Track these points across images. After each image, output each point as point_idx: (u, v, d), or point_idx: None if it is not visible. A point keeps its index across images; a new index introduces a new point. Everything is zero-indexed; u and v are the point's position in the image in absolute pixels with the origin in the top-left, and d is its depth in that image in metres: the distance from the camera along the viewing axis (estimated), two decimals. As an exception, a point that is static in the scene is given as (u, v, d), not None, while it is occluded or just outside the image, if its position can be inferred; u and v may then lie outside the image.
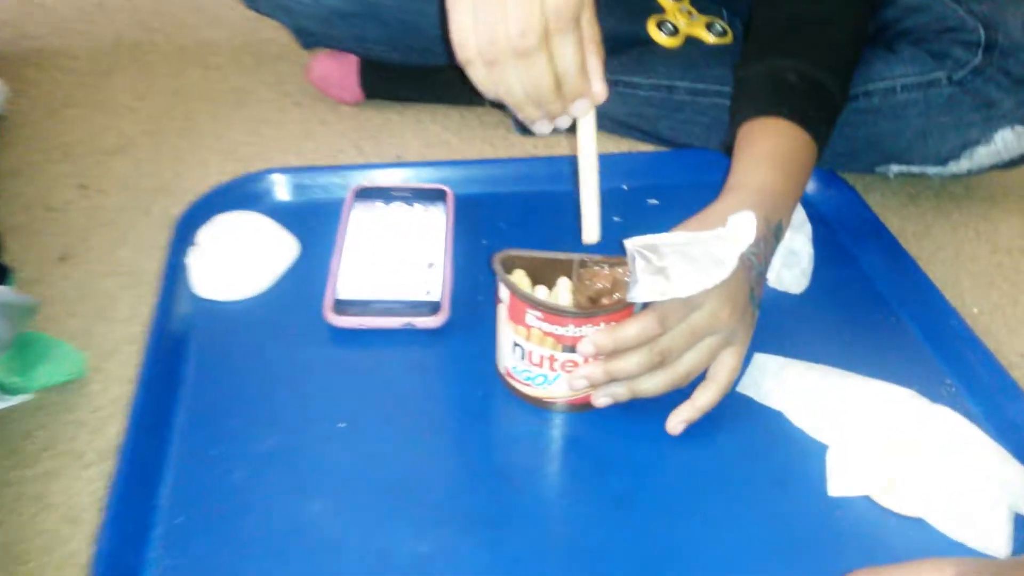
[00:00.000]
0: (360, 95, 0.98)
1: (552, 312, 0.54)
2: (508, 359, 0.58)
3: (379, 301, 0.64)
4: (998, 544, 0.51)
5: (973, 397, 0.61)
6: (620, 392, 0.56)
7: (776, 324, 0.63)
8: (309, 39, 0.92)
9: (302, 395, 0.59)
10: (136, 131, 0.93)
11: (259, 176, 0.78)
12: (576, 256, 0.58)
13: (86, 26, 1.14)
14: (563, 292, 0.58)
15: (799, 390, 0.59)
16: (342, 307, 0.64)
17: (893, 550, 0.51)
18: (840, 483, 0.54)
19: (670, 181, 0.81)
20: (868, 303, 0.70)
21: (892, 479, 0.54)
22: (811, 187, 0.80)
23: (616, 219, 0.73)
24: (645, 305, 0.55)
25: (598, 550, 0.50)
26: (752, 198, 0.60)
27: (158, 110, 0.97)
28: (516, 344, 0.56)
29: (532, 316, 0.54)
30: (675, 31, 0.92)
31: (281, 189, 0.78)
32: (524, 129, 0.87)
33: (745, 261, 0.56)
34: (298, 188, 0.78)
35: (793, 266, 0.69)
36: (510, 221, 0.76)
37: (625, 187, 0.80)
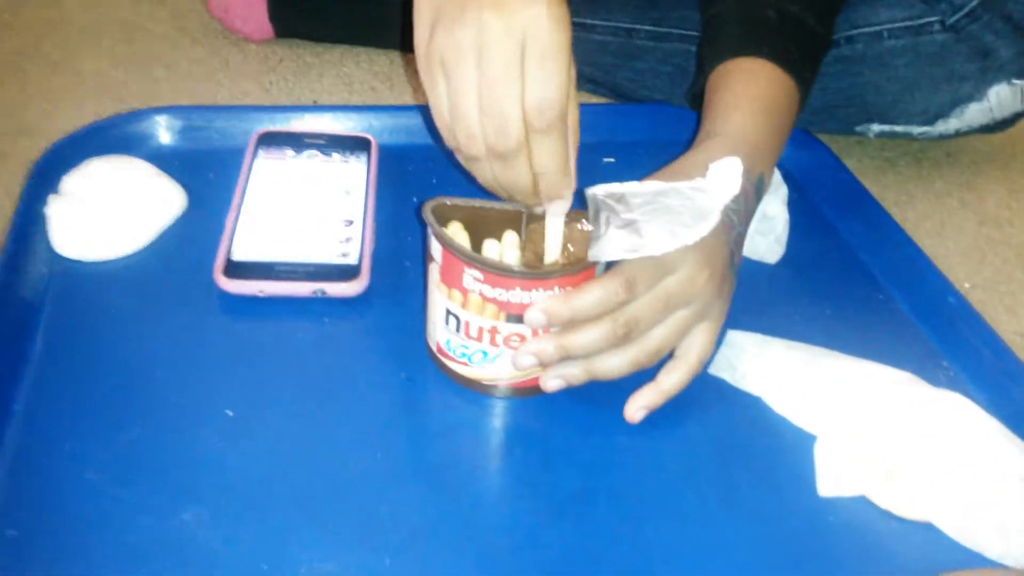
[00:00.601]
0: (269, 31, 0.94)
1: (495, 272, 0.49)
2: (440, 332, 0.54)
3: (283, 263, 0.60)
4: (1021, 552, 0.48)
5: (975, 382, 0.59)
6: (575, 373, 0.52)
7: (750, 296, 0.60)
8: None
9: (181, 376, 0.55)
10: (-3, 64, 0.90)
11: (140, 115, 0.73)
12: (525, 206, 0.54)
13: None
14: (509, 249, 0.54)
15: (781, 372, 0.56)
16: (236, 270, 0.59)
17: (895, 560, 0.48)
18: (831, 481, 0.52)
19: (628, 138, 0.79)
20: (851, 275, 0.68)
21: (891, 476, 0.51)
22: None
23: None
24: (609, 266, 0.51)
25: (547, 561, 0.47)
26: (730, 147, 0.58)
27: (25, 42, 0.93)
28: (450, 313, 0.52)
29: (470, 277, 0.50)
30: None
31: (167, 131, 0.74)
32: None
33: (725, 219, 0.53)
34: (188, 131, 0.74)
35: (767, 232, 0.67)
36: (443, 176, 0.73)
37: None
